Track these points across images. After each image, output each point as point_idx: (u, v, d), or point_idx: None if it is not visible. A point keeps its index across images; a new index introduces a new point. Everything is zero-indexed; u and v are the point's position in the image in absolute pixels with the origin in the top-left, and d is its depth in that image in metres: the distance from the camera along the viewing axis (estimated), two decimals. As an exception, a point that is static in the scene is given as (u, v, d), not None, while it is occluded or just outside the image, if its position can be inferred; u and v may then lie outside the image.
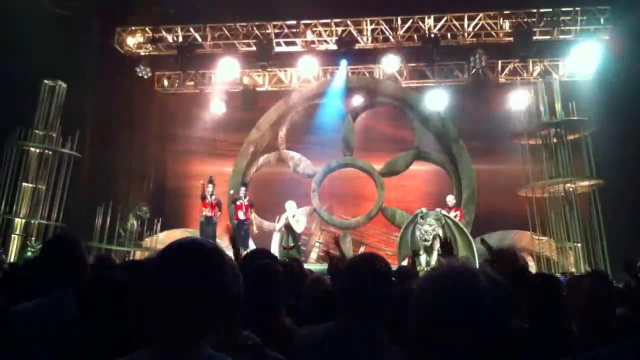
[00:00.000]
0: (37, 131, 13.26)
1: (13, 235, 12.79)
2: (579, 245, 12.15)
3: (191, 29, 15.79)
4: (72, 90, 13.80)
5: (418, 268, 11.05)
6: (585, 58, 14.36)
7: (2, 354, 2.07)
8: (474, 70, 14.98)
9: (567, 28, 14.71)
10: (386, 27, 15.21)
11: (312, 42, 15.68)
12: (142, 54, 16.10)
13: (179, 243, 1.61)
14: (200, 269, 1.54)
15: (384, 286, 2.42)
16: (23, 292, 2.90)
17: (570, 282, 3.95)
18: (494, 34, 14.90)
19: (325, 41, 15.59)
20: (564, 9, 14.56)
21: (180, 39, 15.72)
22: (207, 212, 12.95)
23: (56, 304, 2.52)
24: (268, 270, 2.88)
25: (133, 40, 16.06)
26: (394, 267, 9.04)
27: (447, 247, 5.53)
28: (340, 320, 2.45)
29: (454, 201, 13.08)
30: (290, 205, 12.42)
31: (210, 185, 13.08)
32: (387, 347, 2.31)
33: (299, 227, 12.23)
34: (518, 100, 14.42)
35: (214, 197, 13.10)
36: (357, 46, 15.25)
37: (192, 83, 16.77)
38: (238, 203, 13.05)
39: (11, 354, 1.98)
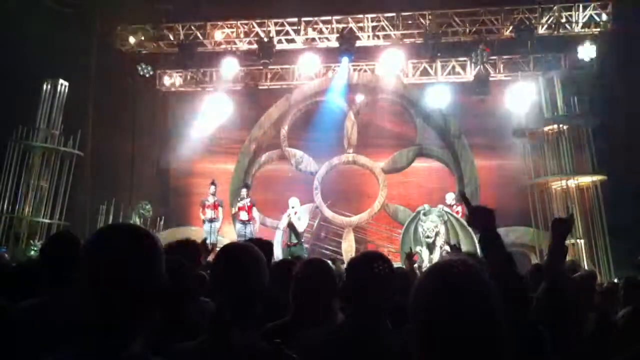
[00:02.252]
0: (39, 130, 13.26)
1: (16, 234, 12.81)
2: (582, 241, 12.15)
3: (192, 27, 15.78)
4: (74, 89, 13.81)
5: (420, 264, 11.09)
6: (586, 53, 14.33)
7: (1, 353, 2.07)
8: (476, 66, 14.98)
9: (568, 23, 14.67)
10: (387, 23, 15.19)
11: (313, 39, 15.67)
12: (144, 52, 16.10)
13: (101, 230, 1.49)
14: (119, 256, 1.40)
15: (384, 285, 2.43)
16: (24, 290, 2.91)
17: None
18: (495, 30, 14.86)
19: (327, 38, 15.57)
20: (565, 4, 14.53)
21: (182, 37, 15.71)
22: (210, 214, 12.99)
23: (55, 303, 2.53)
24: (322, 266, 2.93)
25: (134, 39, 16.05)
26: (397, 264, 9.03)
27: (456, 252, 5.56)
28: (346, 322, 2.46)
29: (453, 200, 13.05)
30: (293, 202, 12.46)
31: (212, 187, 13.13)
32: (390, 336, 2.32)
33: (300, 225, 12.27)
34: (520, 96, 14.40)
35: (215, 198, 13.15)
36: (358, 43, 15.22)
37: (193, 81, 16.79)
38: (240, 204, 13.08)
39: (10, 353, 1.98)
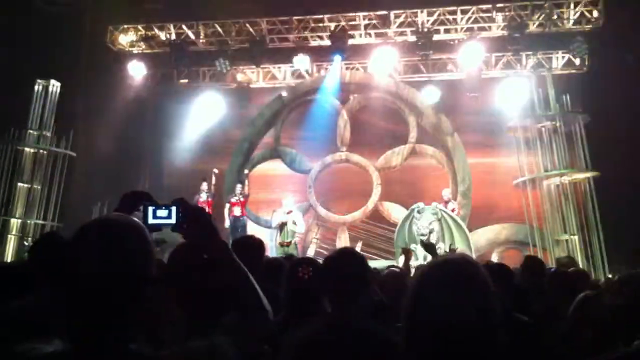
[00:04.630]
0: (31, 131, 13.23)
1: (9, 236, 12.77)
2: (575, 237, 12.17)
3: (184, 26, 15.74)
4: (66, 90, 13.78)
5: (414, 262, 11.10)
6: (578, 50, 14.35)
7: None
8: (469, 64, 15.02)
9: (560, 20, 14.70)
10: (379, 22, 15.18)
11: (305, 38, 15.65)
12: (135, 52, 16.05)
13: (86, 224, 1.44)
14: (107, 250, 1.37)
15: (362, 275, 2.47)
16: (15, 291, 2.88)
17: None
18: (487, 28, 14.88)
19: (319, 37, 15.56)
20: (556, 2, 14.56)
21: (173, 37, 15.66)
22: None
23: (42, 305, 2.50)
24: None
25: (125, 39, 15.99)
26: (392, 262, 9.05)
27: (429, 248, 5.64)
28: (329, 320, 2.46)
29: (450, 195, 13.08)
30: (287, 201, 12.45)
31: (205, 183, 13.11)
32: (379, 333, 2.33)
33: (298, 229, 12.23)
34: (512, 94, 14.41)
35: (208, 194, 13.12)
36: (350, 41, 15.22)
37: (185, 80, 16.74)
38: (234, 200, 13.07)
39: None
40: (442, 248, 10.83)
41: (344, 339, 2.25)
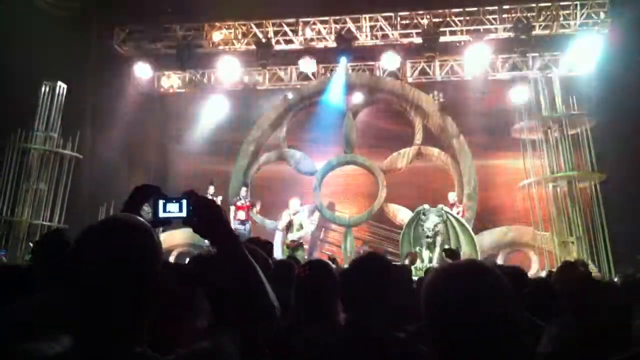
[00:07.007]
0: (37, 132, 13.26)
1: (16, 237, 12.79)
2: (581, 239, 12.13)
3: (190, 29, 15.76)
4: (72, 91, 13.81)
5: (420, 264, 11.11)
6: (585, 52, 14.33)
7: None
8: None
9: (566, 22, 14.68)
10: (385, 23, 15.19)
11: (312, 39, 15.66)
12: (141, 53, 16.06)
13: (92, 225, 1.42)
14: (107, 249, 1.35)
15: (383, 287, 2.43)
16: (20, 292, 2.89)
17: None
18: (493, 29, 14.86)
19: (325, 38, 15.57)
20: (563, 3, 14.54)
21: (180, 39, 15.69)
22: None
23: (45, 305, 2.51)
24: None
25: (132, 40, 16.01)
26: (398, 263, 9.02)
27: (453, 254, 5.57)
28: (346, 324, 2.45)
29: (456, 198, 13.08)
30: (293, 203, 12.44)
31: (211, 187, 13.09)
32: (389, 337, 2.31)
33: (304, 232, 12.22)
34: (518, 95, 14.40)
35: (214, 198, 13.10)
36: (356, 43, 15.23)
37: (192, 82, 16.77)
38: (239, 204, 13.05)
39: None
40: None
41: (363, 348, 2.25)
